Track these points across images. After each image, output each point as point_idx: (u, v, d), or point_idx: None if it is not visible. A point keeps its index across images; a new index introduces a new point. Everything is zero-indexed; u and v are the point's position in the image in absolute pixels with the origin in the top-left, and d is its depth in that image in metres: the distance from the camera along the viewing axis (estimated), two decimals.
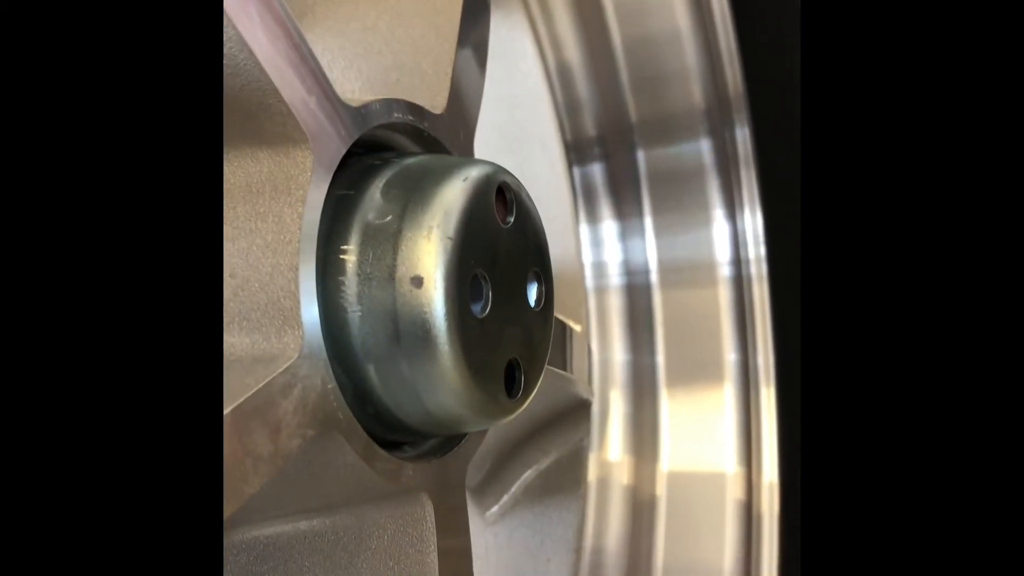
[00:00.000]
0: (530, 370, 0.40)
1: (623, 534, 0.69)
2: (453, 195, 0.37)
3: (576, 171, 0.70)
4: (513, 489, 0.66)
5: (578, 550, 0.68)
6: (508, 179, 0.39)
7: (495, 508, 0.67)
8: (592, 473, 0.70)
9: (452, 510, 0.42)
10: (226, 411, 0.31)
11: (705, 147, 0.67)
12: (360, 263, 0.36)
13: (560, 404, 0.62)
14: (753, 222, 0.67)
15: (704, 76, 0.66)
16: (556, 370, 0.57)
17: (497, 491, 0.67)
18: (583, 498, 0.69)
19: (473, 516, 0.66)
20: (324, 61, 0.37)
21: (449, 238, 0.36)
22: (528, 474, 0.66)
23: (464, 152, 0.44)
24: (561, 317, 0.58)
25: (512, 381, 0.39)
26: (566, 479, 0.67)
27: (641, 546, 0.69)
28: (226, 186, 0.35)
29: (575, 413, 0.66)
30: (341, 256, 0.36)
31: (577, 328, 0.61)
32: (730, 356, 0.68)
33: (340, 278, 0.36)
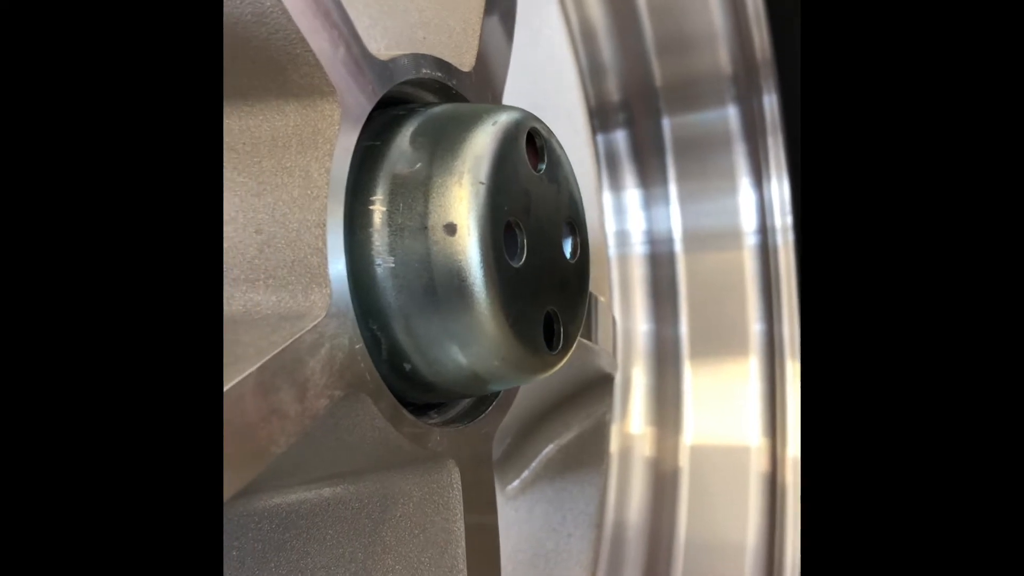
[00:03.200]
0: (569, 323, 0.39)
1: (645, 508, 0.68)
2: (483, 140, 0.36)
3: (600, 138, 0.69)
4: (534, 464, 0.66)
5: (599, 525, 0.67)
6: (538, 126, 0.38)
7: (516, 483, 0.66)
8: (614, 445, 0.69)
9: (479, 480, 0.41)
10: (252, 368, 0.30)
11: (732, 113, 0.66)
12: (390, 213, 0.35)
13: (584, 376, 0.61)
14: (780, 190, 0.66)
15: (731, 40, 0.64)
16: (582, 339, 0.56)
17: (518, 466, 0.66)
18: (605, 473, 0.68)
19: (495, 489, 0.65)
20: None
21: (481, 183, 0.35)
22: (549, 449, 0.66)
23: None
24: None
25: (551, 334, 0.38)
26: (588, 454, 0.67)
27: (663, 520, 0.68)
28: (252, 140, 0.34)
29: (598, 387, 0.65)
30: (370, 208, 0.35)
31: (602, 299, 0.60)
32: (755, 327, 0.67)
33: (369, 230, 0.35)
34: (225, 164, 0.34)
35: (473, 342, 0.36)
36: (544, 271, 0.38)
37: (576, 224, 0.40)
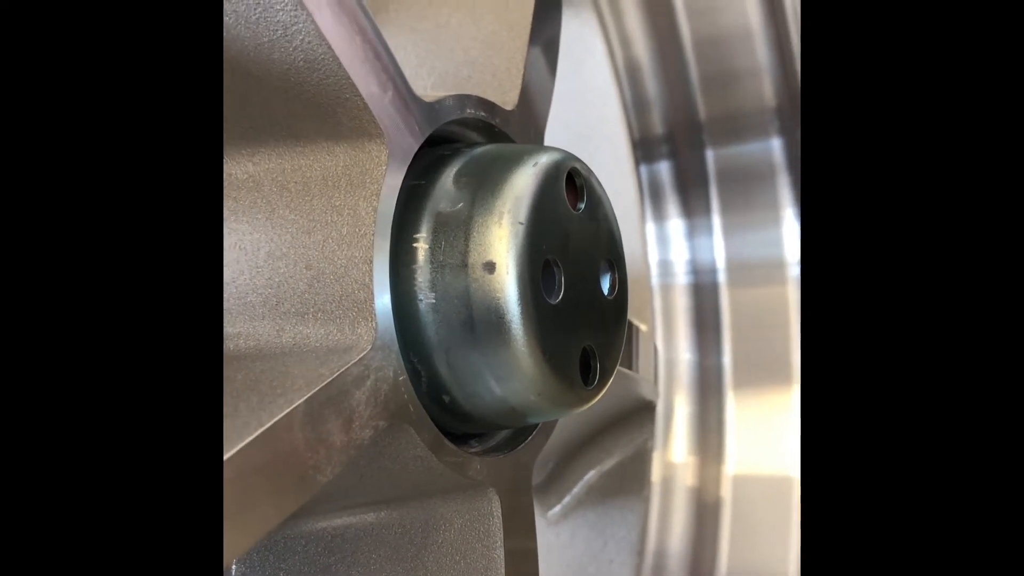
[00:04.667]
0: (605, 359, 0.40)
1: (686, 537, 0.68)
2: (523, 181, 0.37)
3: (643, 169, 0.69)
4: (575, 489, 0.66)
5: (641, 552, 0.68)
6: (578, 165, 0.39)
7: (557, 508, 0.67)
8: (656, 474, 0.69)
9: (519, 508, 0.42)
10: (301, 399, 0.31)
11: (776, 145, 0.66)
12: (432, 251, 0.36)
13: (625, 404, 0.62)
14: None
15: (775, 74, 0.65)
16: (622, 369, 0.56)
17: (559, 491, 0.67)
18: (646, 500, 0.68)
19: (535, 516, 0.66)
20: (397, 58, 0.37)
21: (520, 223, 0.36)
22: (591, 475, 0.66)
23: None
24: None
25: (588, 370, 0.39)
26: (629, 481, 0.67)
27: (705, 549, 0.68)
28: (303, 180, 0.35)
29: (639, 414, 0.65)
30: (413, 245, 0.36)
31: (643, 327, 0.60)
32: (798, 357, 0.67)
33: (413, 267, 0.36)
34: (278, 202, 0.35)
35: (510, 377, 0.37)
36: (581, 308, 0.39)
37: (615, 261, 0.41)
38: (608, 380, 0.41)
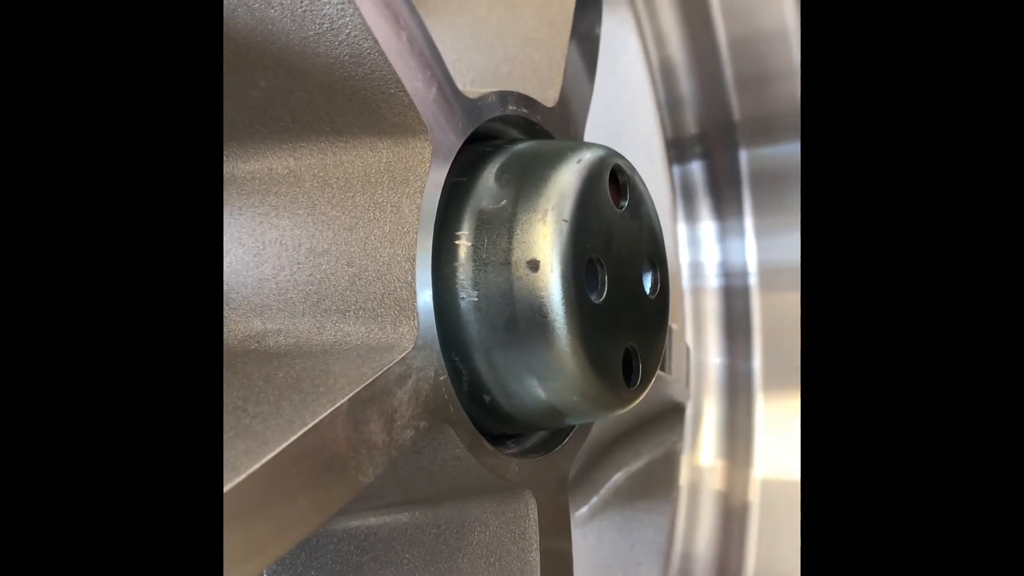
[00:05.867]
0: (647, 359, 0.40)
1: (714, 540, 0.68)
2: (567, 178, 0.36)
3: (675, 169, 0.69)
4: (603, 491, 0.66)
5: (667, 555, 0.67)
6: (621, 163, 0.39)
7: (584, 509, 0.66)
8: (684, 477, 0.69)
9: (555, 510, 0.42)
10: (344, 399, 0.31)
11: None
12: (475, 248, 0.36)
13: (655, 406, 0.61)
14: None
15: None
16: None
17: (587, 492, 0.66)
18: (674, 503, 0.68)
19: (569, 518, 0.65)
20: None
21: (564, 220, 0.35)
22: (618, 476, 0.66)
23: None
24: None
25: (630, 370, 0.39)
26: (657, 483, 0.67)
27: (731, 553, 0.67)
28: (346, 176, 0.35)
29: (669, 416, 0.65)
30: (456, 242, 0.36)
31: (675, 326, 0.60)
32: None
33: (455, 264, 0.36)
34: (320, 199, 0.35)
35: (552, 376, 0.36)
36: (624, 307, 0.38)
37: (657, 260, 0.41)
38: (650, 381, 0.40)
